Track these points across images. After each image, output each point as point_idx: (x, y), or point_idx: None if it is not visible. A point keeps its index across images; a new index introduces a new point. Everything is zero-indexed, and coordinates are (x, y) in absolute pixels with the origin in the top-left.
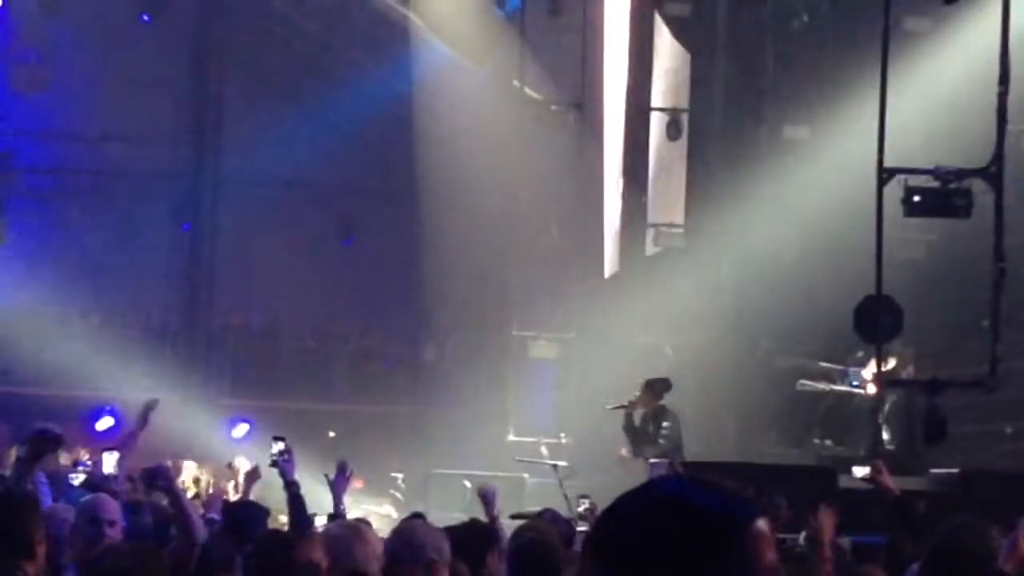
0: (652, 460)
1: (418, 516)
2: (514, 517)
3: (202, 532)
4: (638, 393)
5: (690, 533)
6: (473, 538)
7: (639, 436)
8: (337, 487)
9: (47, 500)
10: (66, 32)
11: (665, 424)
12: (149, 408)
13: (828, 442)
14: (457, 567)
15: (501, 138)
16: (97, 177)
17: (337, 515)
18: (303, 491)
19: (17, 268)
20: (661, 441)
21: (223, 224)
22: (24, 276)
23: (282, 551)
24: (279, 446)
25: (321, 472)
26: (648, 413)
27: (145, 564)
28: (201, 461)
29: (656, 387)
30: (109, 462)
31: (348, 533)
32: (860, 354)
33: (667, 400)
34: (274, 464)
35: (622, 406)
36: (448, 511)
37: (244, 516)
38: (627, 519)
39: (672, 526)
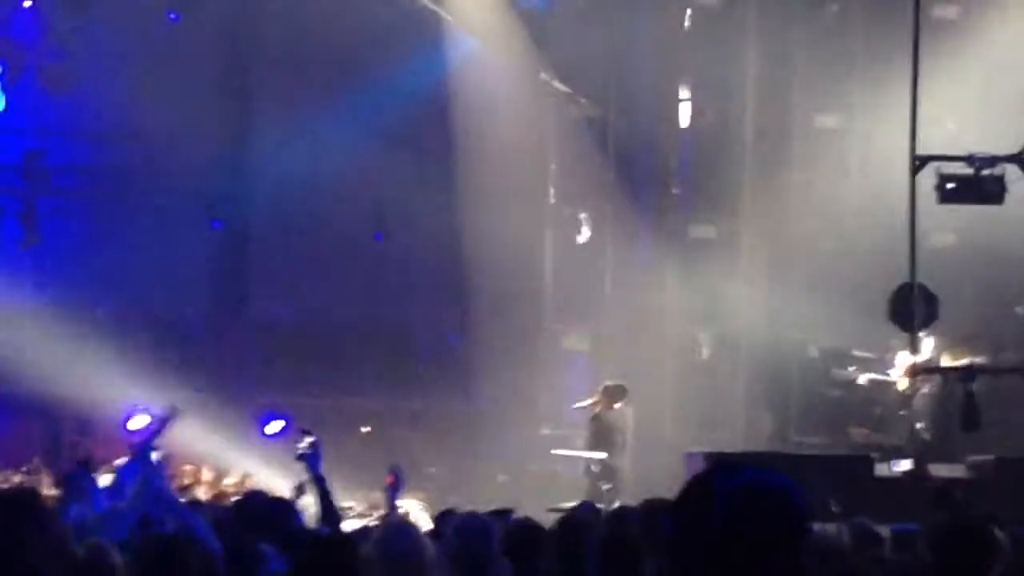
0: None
1: (450, 512)
2: (551, 511)
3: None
4: (596, 396)
5: (773, 523)
6: (521, 535)
7: (592, 433)
8: (391, 491)
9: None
10: (94, 31)
11: (609, 425)
12: (170, 417)
13: (863, 431)
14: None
15: (532, 131)
16: (128, 176)
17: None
18: (337, 487)
19: (48, 267)
20: (607, 441)
21: (255, 221)
22: (55, 275)
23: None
24: (307, 440)
25: (355, 466)
26: (603, 416)
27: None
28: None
29: (613, 392)
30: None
31: (403, 526)
32: (894, 343)
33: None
34: (301, 458)
35: (585, 407)
36: (482, 505)
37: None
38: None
39: (756, 515)
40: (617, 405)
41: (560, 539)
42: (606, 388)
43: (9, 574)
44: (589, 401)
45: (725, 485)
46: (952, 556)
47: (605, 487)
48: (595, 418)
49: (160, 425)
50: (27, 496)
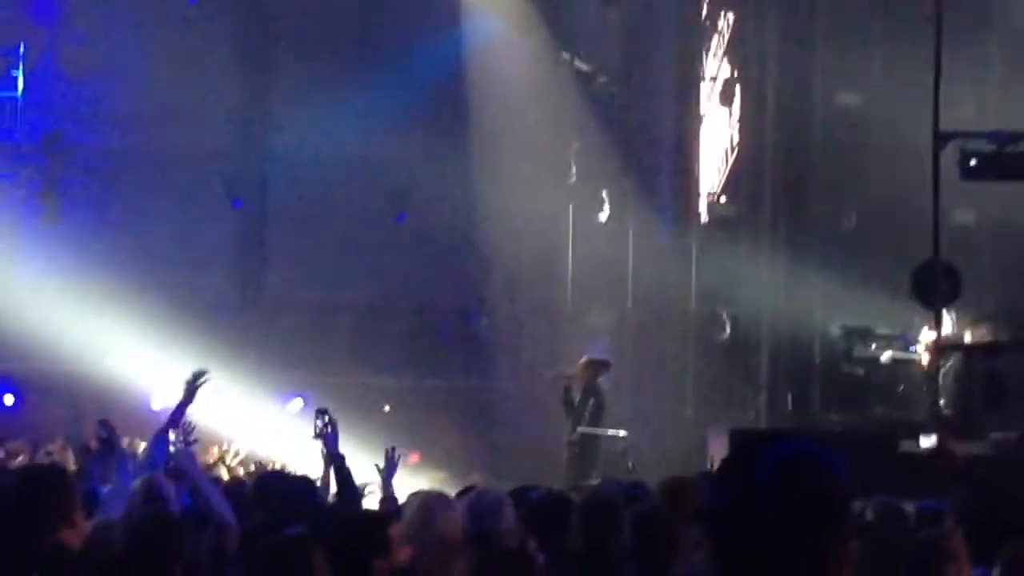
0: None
1: (472, 489)
2: (575, 488)
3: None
4: (577, 369)
5: (818, 493)
6: (549, 510)
7: (571, 409)
8: (386, 472)
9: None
10: (114, 13)
11: (592, 401)
12: (197, 379)
13: (886, 408)
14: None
15: (552, 110)
16: (148, 156)
17: (387, 498)
18: (357, 465)
19: (70, 247)
20: (587, 416)
21: (275, 200)
22: (78, 255)
23: (378, 527)
24: (323, 419)
25: (376, 445)
26: (582, 389)
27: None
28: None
29: (595, 366)
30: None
31: (437, 502)
32: (916, 320)
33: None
34: (318, 437)
35: (561, 377)
36: (506, 483)
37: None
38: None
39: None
40: (600, 379)
41: (585, 517)
42: (589, 361)
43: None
44: (567, 373)
45: (770, 456)
46: (979, 533)
47: (629, 463)
48: (570, 390)
49: (189, 396)
50: (54, 473)
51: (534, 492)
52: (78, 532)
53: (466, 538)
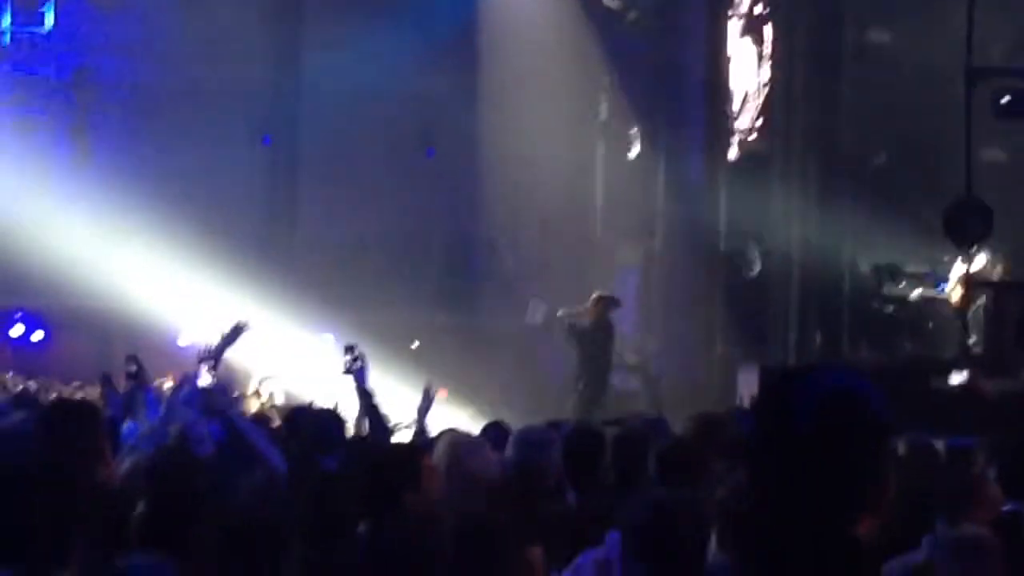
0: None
1: (497, 424)
2: (606, 424)
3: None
4: (588, 305)
5: (859, 424)
6: (580, 443)
7: (577, 343)
8: (422, 408)
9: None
10: None
11: (599, 336)
12: (240, 329)
13: (915, 346)
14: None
15: (582, 47)
16: (177, 92)
17: (420, 432)
18: (387, 402)
19: (101, 183)
20: (594, 347)
21: (304, 137)
22: (108, 191)
23: (410, 460)
24: (352, 355)
25: (405, 383)
26: (592, 325)
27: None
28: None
29: (605, 302)
30: (205, 377)
31: (467, 440)
32: (946, 258)
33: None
34: (348, 373)
35: (571, 313)
36: (532, 420)
37: (328, 425)
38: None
39: (842, 417)
40: (607, 317)
41: (618, 451)
42: (599, 297)
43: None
44: (577, 309)
45: (809, 388)
46: (1011, 469)
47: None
48: (574, 325)
49: (229, 340)
50: (87, 409)
51: (564, 427)
52: (108, 468)
53: (509, 472)
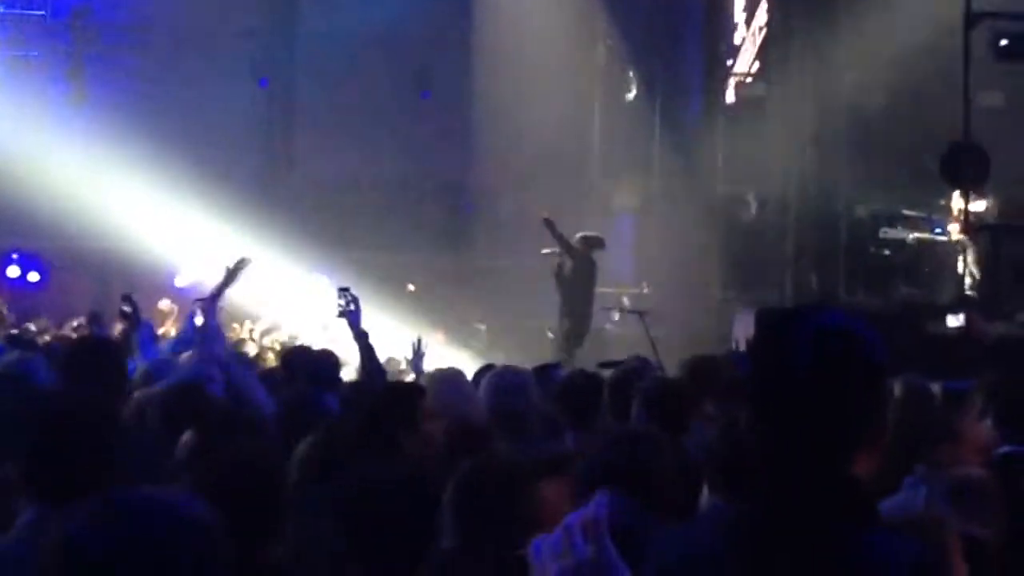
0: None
1: (490, 367)
2: (602, 366)
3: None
4: (573, 243)
5: (856, 364)
6: (577, 387)
7: (563, 283)
8: (414, 362)
9: (152, 351)
10: None
11: (582, 275)
12: (241, 266)
13: (912, 289)
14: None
15: None
16: (174, 33)
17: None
18: (382, 343)
19: (98, 124)
20: (578, 284)
21: (301, 79)
22: (103, 132)
23: (410, 398)
24: (346, 297)
25: (402, 322)
26: (576, 264)
27: None
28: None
29: (590, 241)
30: (200, 317)
31: (454, 380)
32: (942, 202)
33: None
34: (341, 316)
35: (555, 252)
36: (530, 362)
37: (324, 364)
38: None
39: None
40: (592, 255)
41: (614, 393)
42: (584, 237)
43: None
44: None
45: (805, 327)
46: (1008, 411)
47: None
48: (561, 265)
49: (230, 278)
50: (110, 344)
51: (559, 371)
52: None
53: (490, 416)
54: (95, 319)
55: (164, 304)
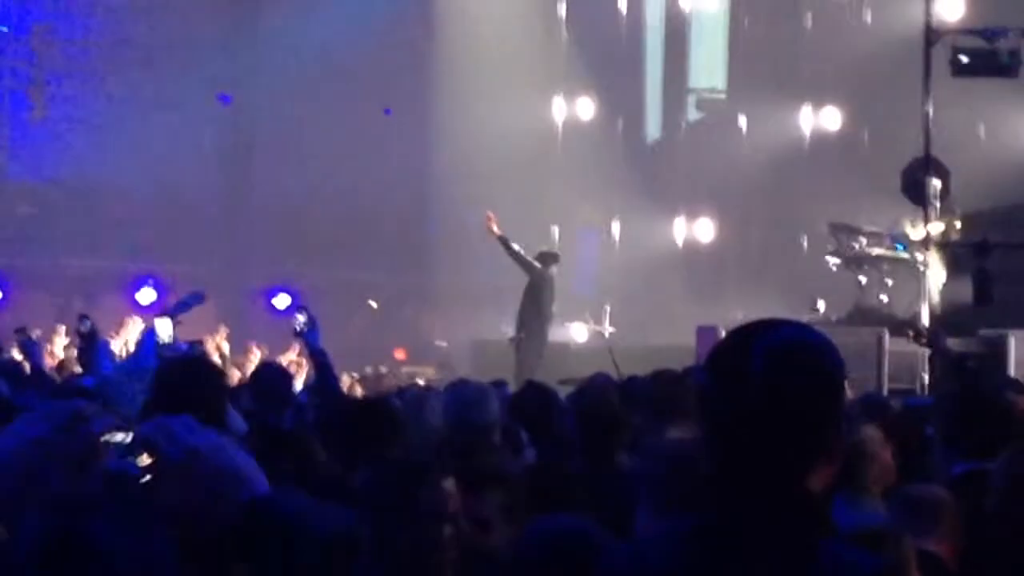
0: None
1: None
2: (563, 383)
3: None
4: (530, 260)
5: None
6: (533, 401)
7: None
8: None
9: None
10: None
11: (540, 290)
12: (197, 300)
13: (874, 305)
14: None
15: (540, 7)
16: (137, 49)
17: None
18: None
19: (57, 140)
20: (535, 306)
21: (262, 95)
22: (64, 148)
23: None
24: (303, 317)
25: (364, 342)
26: (533, 279)
27: None
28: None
29: (545, 258)
30: (164, 330)
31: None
32: (905, 219)
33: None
34: (299, 335)
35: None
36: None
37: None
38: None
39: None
40: (551, 271)
41: (577, 409)
42: (541, 253)
43: None
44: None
45: (763, 341)
46: (967, 426)
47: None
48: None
49: (184, 308)
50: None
51: (506, 388)
52: None
53: (450, 430)
54: (20, 331)
55: (130, 319)
